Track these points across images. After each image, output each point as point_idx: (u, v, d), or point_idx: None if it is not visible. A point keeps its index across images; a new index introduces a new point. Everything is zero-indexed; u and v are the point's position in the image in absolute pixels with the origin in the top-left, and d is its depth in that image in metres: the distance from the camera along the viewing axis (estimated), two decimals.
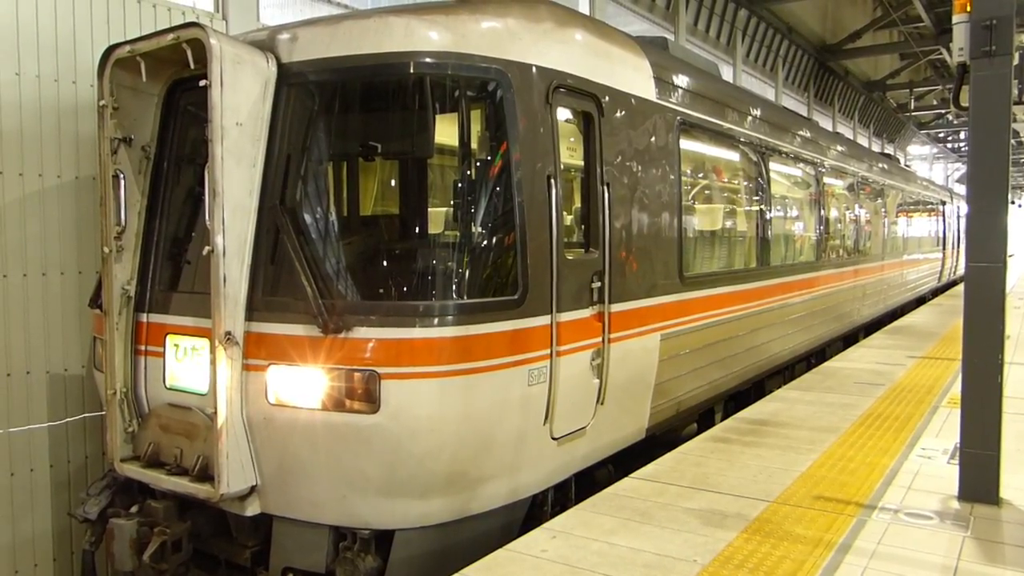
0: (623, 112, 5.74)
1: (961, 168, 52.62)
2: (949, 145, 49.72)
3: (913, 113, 35.41)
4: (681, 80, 6.85)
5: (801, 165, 10.43)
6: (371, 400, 4.21)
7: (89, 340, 6.00)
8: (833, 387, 8.27)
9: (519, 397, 4.60)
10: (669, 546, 4.19)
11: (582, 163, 5.38)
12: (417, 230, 5.03)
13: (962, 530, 4.41)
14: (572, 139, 5.40)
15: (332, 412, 4.30)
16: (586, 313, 5.17)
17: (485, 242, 4.64)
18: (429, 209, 5.00)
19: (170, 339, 4.97)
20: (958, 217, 24.40)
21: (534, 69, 4.83)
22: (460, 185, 4.72)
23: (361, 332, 4.27)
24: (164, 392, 4.97)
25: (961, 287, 5.66)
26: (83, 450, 6.22)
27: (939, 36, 25.20)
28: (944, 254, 22.20)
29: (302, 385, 4.35)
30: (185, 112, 5.15)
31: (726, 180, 8.52)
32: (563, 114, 5.13)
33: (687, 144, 6.87)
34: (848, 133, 29.92)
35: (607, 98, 5.49)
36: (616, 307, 5.45)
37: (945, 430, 6.45)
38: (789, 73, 24.58)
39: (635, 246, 5.82)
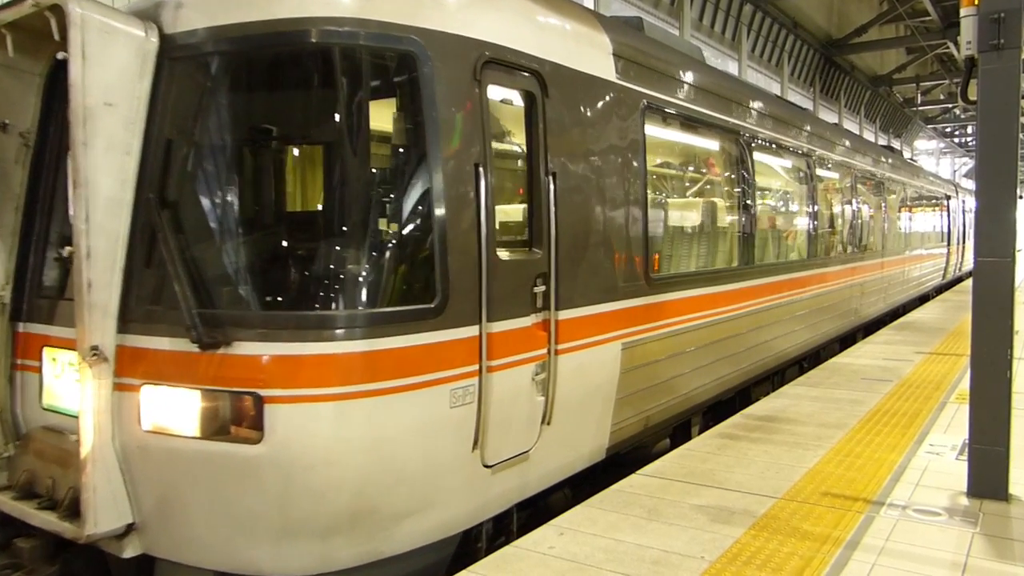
0: (574, 93, 5.07)
1: (968, 163, 52.42)
2: (956, 140, 49.51)
3: (920, 108, 35.32)
4: (649, 60, 6.16)
5: (791, 156, 9.76)
6: (254, 427, 3.66)
7: None
8: (840, 383, 8.24)
9: (439, 421, 4.02)
10: (676, 543, 4.18)
11: (523, 150, 4.76)
12: (312, 228, 4.28)
13: (971, 526, 4.39)
14: (511, 122, 4.80)
15: (210, 441, 3.75)
16: (526, 322, 4.56)
17: (394, 242, 4.06)
18: (327, 203, 4.34)
19: (47, 352, 4.36)
20: (963, 212, 24.18)
21: (458, 40, 4.21)
22: (365, 175, 4.09)
23: (243, 348, 3.70)
24: (40, 413, 4.38)
25: (967, 283, 5.63)
26: None
27: (946, 30, 25.11)
28: (949, 250, 21.90)
29: (177, 409, 3.79)
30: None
31: (704, 171, 7.90)
32: (497, 93, 4.52)
33: (656, 131, 6.25)
34: (854, 128, 29.81)
35: (553, 76, 4.83)
36: (565, 314, 4.85)
37: (953, 426, 6.42)
38: (795, 68, 24.50)
39: (590, 244, 5.16)
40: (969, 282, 4.45)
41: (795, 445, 5.94)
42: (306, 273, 4.07)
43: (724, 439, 6.14)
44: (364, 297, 3.92)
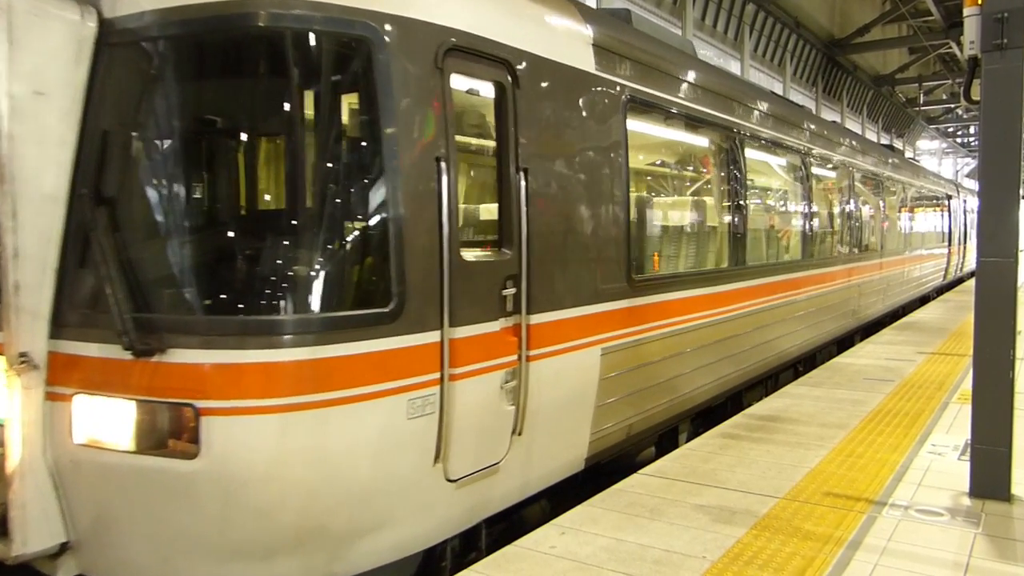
0: (548, 84, 4.81)
1: (971, 163, 52.38)
2: (959, 140, 49.48)
3: (922, 108, 35.28)
4: (633, 52, 5.88)
5: (784, 154, 9.42)
6: (190, 441, 3.43)
7: None
8: (842, 383, 8.23)
9: (394, 433, 3.78)
10: (678, 542, 4.18)
11: (493, 144, 4.50)
12: (254, 227, 4.00)
13: (973, 527, 4.39)
14: (480, 115, 4.58)
15: (144, 455, 3.53)
16: (494, 326, 4.31)
17: (345, 241, 3.82)
18: (271, 200, 4.09)
19: None
20: (964, 212, 24.07)
21: (418, 25, 3.93)
22: (313, 170, 3.82)
23: (178, 355, 3.46)
24: None
25: (968, 283, 5.62)
26: None
27: (948, 30, 25.09)
28: (950, 250, 21.77)
29: (111, 421, 3.57)
30: None
31: (692, 169, 7.63)
32: (462, 83, 4.26)
33: (639, 126, 5.98)
34: (857, 128, 29.79)
35: (525, 66, 4.56)
36: (538, 318, 4.59)
37: (956, 426, 6.41)
38: (797, 68, 24.49)
39: (566, 245, 4.91)
40: (971, 282, 4.43)
41: (797, 445, 5.94)
42: (247, 275, 3.78)
43: (726, 439, 6.14)
44: (310, 301, 3.65)
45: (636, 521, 4.48)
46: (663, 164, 7.23)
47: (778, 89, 22.19)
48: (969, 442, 4.89)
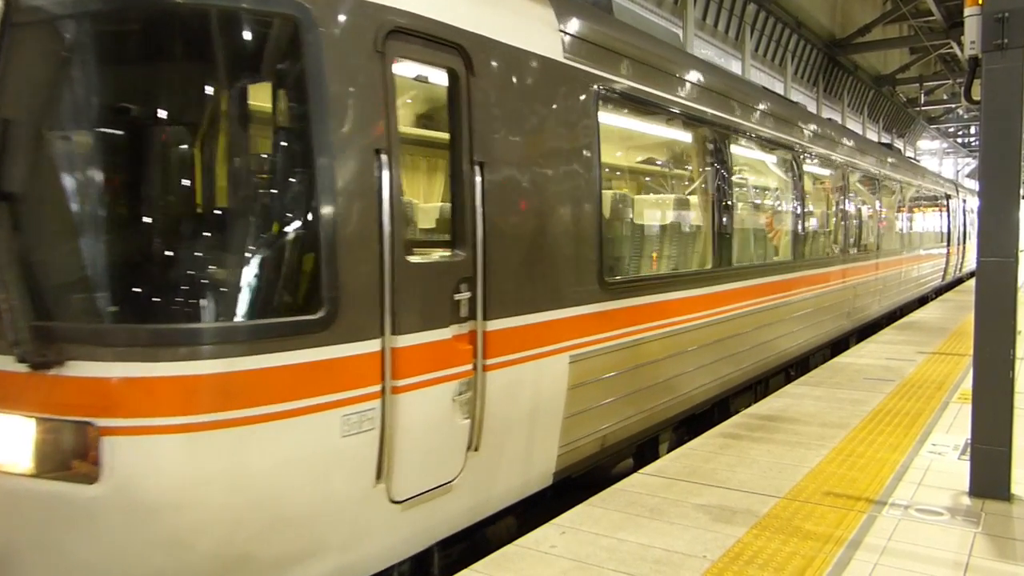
0: (508, 72, 4.49)
1: (971, 163, 52.37)
2: (959, 140, 49.47)
3: (923, 108, 35.27)
4: (606, 40, 5.55)
5: (773, 150, 9.05)
6: (90, 463, 3.11)
7: None
8: (842, 383, 8.23)
9: (326, 452, 3.47)
10: (678, 542, 4.18)
11: (446, 136, 4.20)
12: (170, 226, 3.55)
13: (973, 526, 4.39)
14: (431, 104, 4.31)
15: (40, 479, 3.19)
16: (445, 334, 3.99)
17: (268, 242, 3.45)
18: (187, 196, 3.61)
19: None
20: (964, 211, 23.98)
21: (354, 4, 3.65)
22: (234, 163, 3.51)
23: (78, 368, 3.13)
24: None
25: (968, 283, 5.61)
26: None
27: (949, 30, 25.09)
28: (949, 251, 21.62)
29: (5, 440, 3.27)
30: None
31: (672, 166, 7.29)
32: (408, 69, 3.98)
33: (613, 119, 5.69)
34: (857, 128, 29.80)
35: (481, 52, 4.25)
36: (496, 324, 4.28)
37: (956, 426, 6.42)
38: (798, 68, 24.50)
39: (528, 245, 4.60)
40: (971, 282, 4.44)
41: (797, 444, 5.94)
42: (156, 280, 3.40)
43: (726, 438, 6.14)
44: (226, 308, 3.32)
45: (637, 520, 4.48)
46: (642, 160, 6.91)
47: (779, 89, 22.18)
48: (969, 442, 4.89)
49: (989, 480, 4.78)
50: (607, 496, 4.90)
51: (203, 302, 3.33)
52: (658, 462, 5.57)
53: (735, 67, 19.69)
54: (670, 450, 6.27)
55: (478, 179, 4.18)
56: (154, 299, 3.36)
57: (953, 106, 38.12)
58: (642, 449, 6.40)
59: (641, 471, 5.38)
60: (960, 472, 5.10)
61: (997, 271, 4.67)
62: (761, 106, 8.68)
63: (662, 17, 16.13)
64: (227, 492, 3.22)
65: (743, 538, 4.23)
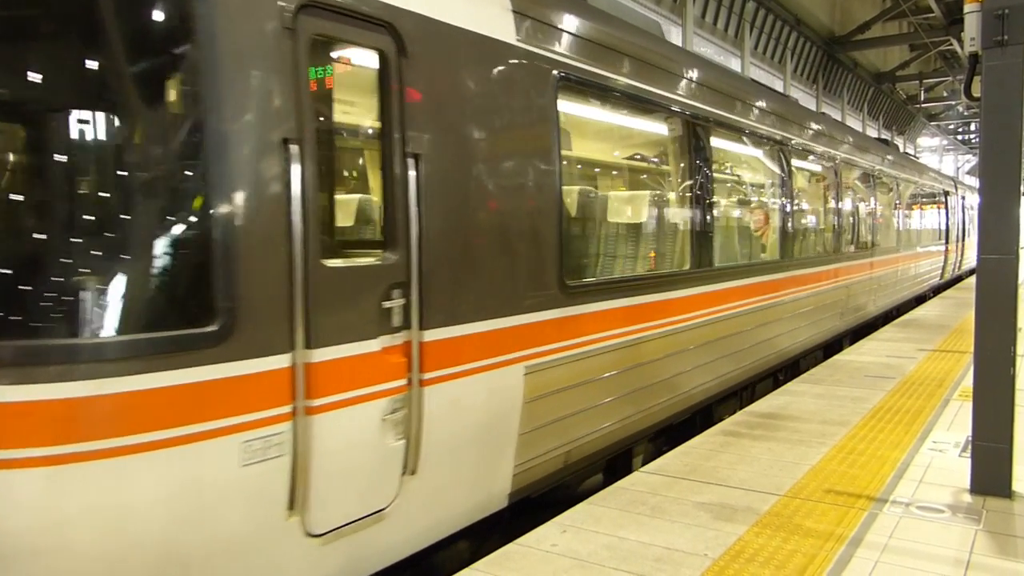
0: (449, 55, 4.07)
1: (972, 160, 52.36)
2: (959, 137, 49.48)
3: (923, 105, 35.28)
4: (569, 23, 5.08)
5: (757, 144, 8.51)
6: None
7: None
8: (843, 380, 8.23)
9: (222, 483, 3.05)
10: (679, 540, 4.18)
11: (376, 125, 3.79)
12: (28, 226, 3.02)
13: (974, 523, 4.39)
14: (357, 89, 3.91)
15: None
16: (372, 345, 3.59)
17: (150, 245, 2.98)
18: (53, 190, 3.04)
19: None
20: (963, 208, 23.89)
21: None
22: (110, 152, 3.06)
23: None
24: None
25: (969, 280, 5.60)
26: None
27: (949, 26, 25.08)
28: (947, 248, 21.44)
29: None
30: None
31: (644, 159, 6.86)
32: (326, 49, 3.66)
33: (576, 108, 5.29)
34: (857, 125, 29.80)
35: (415, 31, 3.80)
36: (434, 334, 3.87)
37: (957, 423, 6.42)
38: (797, 65, 24.49)
39: (474, 246, 4.19)
40: (971, 279, 4.41)
41: (798, 442, 5.94)
42: (9, 288, 2.88)
43: (727, 436, 6.14)
44: (95, 322, 2.84)
45: (637, 519, 4.48)
46: (606, 152, 6.57)
47: (779, 86, 22.17)
48: (970, 439, 4.89)
49: (990, 477, 4.77)
50: (608, 494, 4.89)
51: (69, 315, 2.85)
52: (659, 460, 5.57)
53: (735, 65, 19.69)
54: (645, 463, 5.89)
55: (412, 173, 3.77)
56: (9, 311, 2.84)
57: (953, 103, 38.09)
58: (614, 463, 6.01)
59: (642, 469, 5.38)
60: (961, 469, 5.10)
61: (997, 268, 4.66)
62: (745, 98, 8.27)
63: (660, 15, 16.11)
64: (102, 532, 2.81)
65: (744, 536, 4.23)
